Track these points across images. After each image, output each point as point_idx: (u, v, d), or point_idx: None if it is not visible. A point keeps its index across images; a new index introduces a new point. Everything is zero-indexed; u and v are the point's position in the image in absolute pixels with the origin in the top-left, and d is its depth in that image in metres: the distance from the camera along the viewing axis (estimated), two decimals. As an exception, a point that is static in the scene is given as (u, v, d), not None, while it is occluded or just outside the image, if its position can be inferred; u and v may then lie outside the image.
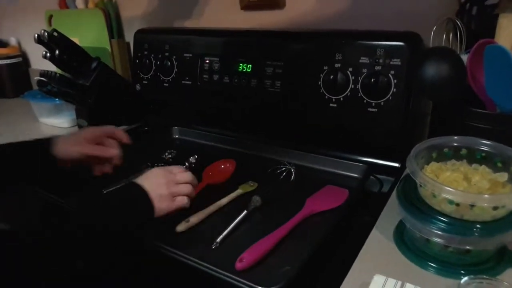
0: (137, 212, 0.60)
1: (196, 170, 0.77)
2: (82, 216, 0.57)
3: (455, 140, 0.59)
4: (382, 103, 0.77)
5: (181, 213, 0.65)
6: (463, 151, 0.59)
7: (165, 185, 0.62)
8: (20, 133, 1.19)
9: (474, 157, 0.58)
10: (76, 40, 1.08)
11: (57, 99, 1.12)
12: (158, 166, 0.83)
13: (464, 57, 0.66)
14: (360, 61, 0.78)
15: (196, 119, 1.08)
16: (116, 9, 1.32)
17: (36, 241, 0.51)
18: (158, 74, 1.08)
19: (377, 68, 0.76)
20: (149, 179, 0.62)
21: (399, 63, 0.75)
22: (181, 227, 0.64)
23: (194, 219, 0.65)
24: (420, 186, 0.54)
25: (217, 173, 0.82)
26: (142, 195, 0.60)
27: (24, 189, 0.75)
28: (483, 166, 0.57)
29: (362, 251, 0.57)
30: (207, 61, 0.99)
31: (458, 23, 0.71)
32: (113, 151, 0.76)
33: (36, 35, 0.95)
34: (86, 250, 0.55)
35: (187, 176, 0.67)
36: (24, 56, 1.70)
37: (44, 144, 0.72)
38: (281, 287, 0.50)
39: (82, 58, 1.04)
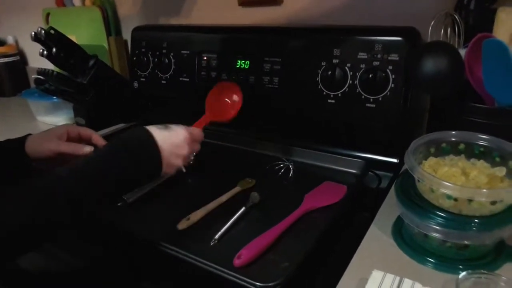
0: (142, 161, 0.56)
1: None
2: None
3: (453, 135, 0.59)
4: (380, 99, 0.77)
5: (182, 211, 0.66)
6: (461, 146, 0.59)
7: (182, 158, 0.60)
8: (18, 131, 1.17)
9: (472, 152, 0.58)
10: (73, 38, 1.08)
11: (54, 97, 1.12)
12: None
13: (462, 52, 0.66)
14: (358, 56, 0.77)
15: (194, 116, 1.07)
16: (113, 7, 1.32)
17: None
18: (156, 71, 1.07)
19: (375, 63, 0.76)
20: (172, 145, 0.59)
21: (397, 58, 0.74)
22: (182, 225, 0.64)
23: (194, 217, 0.65)
24: (418, 181, 0.54)
25: (222, 109, 0.82)
26: (155, 156, 0.56)
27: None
28: (481, 160, 0.57)
29: (360, 246, 0.57)
30: (205, 58, 0.98)
31: (456, 17, 0.71)
32: (86, 148, 0.70)
33: (33, 33, 0.95)
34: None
35: (198, 148, 0.67)
36: (21, 54, 1.70)
37: (16, 143, 0.70)
38: (280, 283, 0.50)
39: (80, 56, 1.03)
